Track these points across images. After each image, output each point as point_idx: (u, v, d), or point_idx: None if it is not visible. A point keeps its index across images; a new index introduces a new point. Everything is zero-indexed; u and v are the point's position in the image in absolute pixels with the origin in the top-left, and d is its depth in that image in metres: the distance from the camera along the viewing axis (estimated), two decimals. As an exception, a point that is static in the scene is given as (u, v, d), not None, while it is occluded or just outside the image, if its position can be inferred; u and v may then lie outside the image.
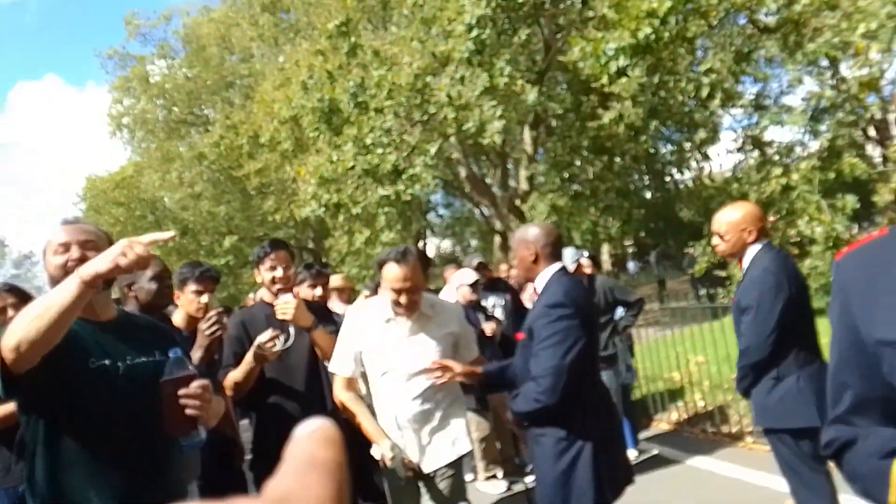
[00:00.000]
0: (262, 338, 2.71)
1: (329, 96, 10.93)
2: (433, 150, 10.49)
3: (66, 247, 1.75)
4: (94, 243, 1.77)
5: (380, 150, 10.53)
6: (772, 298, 2.76)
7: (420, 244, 26.58)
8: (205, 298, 3.06)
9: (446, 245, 30.03)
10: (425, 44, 10.68)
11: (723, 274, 9.55)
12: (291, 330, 2.84)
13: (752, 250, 2.89)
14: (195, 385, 1.69)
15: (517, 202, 13.66)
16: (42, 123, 60.16)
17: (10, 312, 3.04)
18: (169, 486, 1.80)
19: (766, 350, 2.77)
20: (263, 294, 3.15)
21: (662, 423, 6.32)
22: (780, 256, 2.93)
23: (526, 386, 2.40)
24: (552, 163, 12.75)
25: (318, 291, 3.61)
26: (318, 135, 11.34)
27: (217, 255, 20.48)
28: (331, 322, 3.18)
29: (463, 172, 14.60)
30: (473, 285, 4.98)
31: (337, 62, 11.57)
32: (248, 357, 2.77)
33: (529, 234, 2.59)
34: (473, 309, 4.93)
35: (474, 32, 9.76)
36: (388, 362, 2.67)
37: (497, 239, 15.84)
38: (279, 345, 2.73)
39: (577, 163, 12.66)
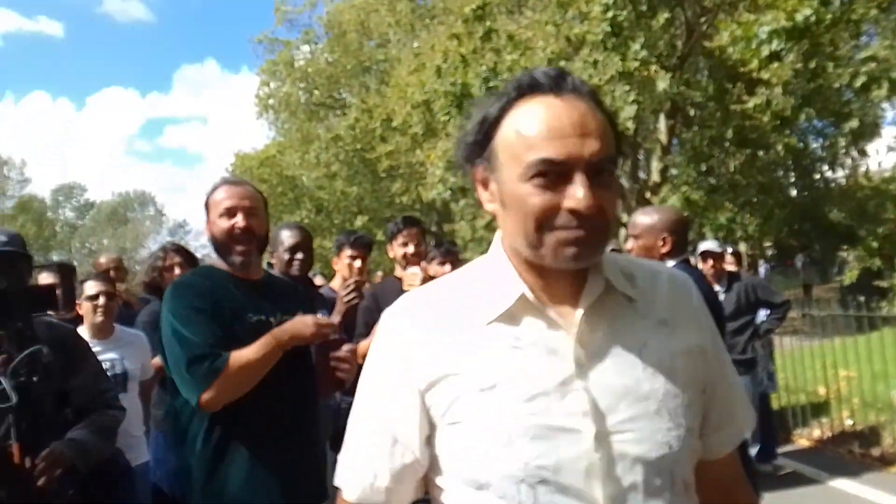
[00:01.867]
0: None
1: (462, 80, 10.98)
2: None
3: (232, 212, 1.88)
4: (255, 210, 1.91)
5: (509, 136, 10.46)
6: None
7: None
8: (358, 263, 3.21)
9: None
10: (560, 27, 10.47)
11: (883, 284, 8.65)
12: None
13: None
14: (346, 348, 1.84)
15: (647, 194, 13.13)
16: (200, 103, 65.53)
17: (177, 271, 3.32)
18: (311, 439, 1.92)
19: None
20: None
21: (802, 439, 5.85)
22: None
23: None
24: (689, 154, 12.10)
25: (447, 269, 3.62)
26: (448, 119, 11.45)
27: (347, 233, 21.30)
28: None
29: (592, 161, 14.19)
30: None
31: (471, 46, 11.60)
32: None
33: (658, 219, 2.39)
34: None
35: (611, 13, 9.42)
36: None
37: (623, 232, 15.35)
38: None
39: (717, 155, 11.93)
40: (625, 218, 14.54)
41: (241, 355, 1.73)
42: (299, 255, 3.01)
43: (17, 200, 34.36)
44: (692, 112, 12.89)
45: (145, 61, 68.04)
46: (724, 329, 2.48)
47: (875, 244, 9.04)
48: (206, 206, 1.95)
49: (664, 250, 2.33)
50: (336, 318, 2.70)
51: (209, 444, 1.82)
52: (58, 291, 2.01)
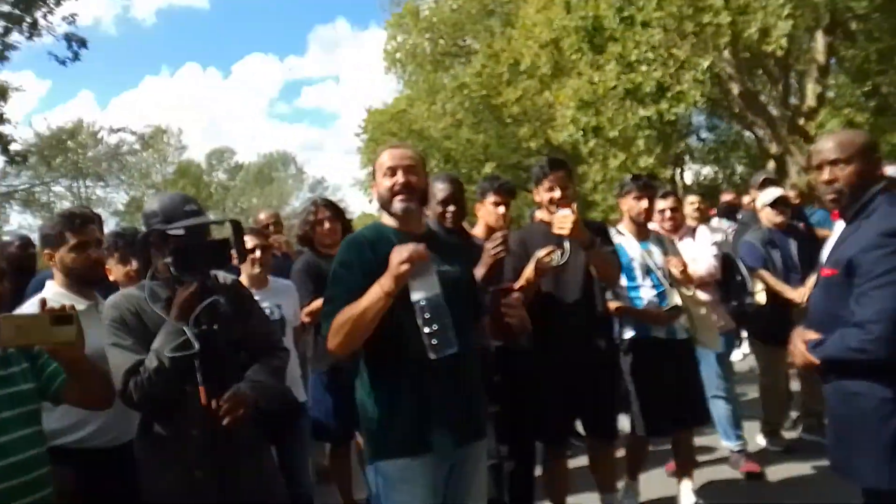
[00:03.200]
0: (540, 252, 2.82)
1: (593, 13, 10.47)
2: (705, 63, 9.56)
3: (393, 171, 2.09)
4: (415, 168, 2.11)
5: (644, 68, 9.89)
6: None
7: (678, 171, 24.91)
8: (502, 209, 3.21)
9: (707, 171, 27.66)
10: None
11: None
12: (567, 245, 2.85)
13: None
14: (515, 296, 1.94)
15: (800, 121, 11.98)
16: (333, 62, 67.62)
17: (327, 225, 3.48)
18: (472, 380, 2.09)
19: None
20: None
21: None
22: None
23: (844, 331, 1.98)
24: (853, 72, 10.85)
25: (644, 204, 3.46)
26: (579, 56, 11.02)
27: (475, 181, 21.42)
28: (609, 242, 3.14)
29: (735, 89, 13.12)
30: (775, 204, 4.33)
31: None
32: (527, 271, 2.89)
33: (861, 140, 2.08)
34: (784, 233, 4.35)
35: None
36: None
37: (771, 164, 14.14)
38: (555, 260, 2.79)
39: (886, 71, 10.60)
40: (774, 149, 13.44)
41: (349, 307, 1.93)
42: (451, 208, 3.04)
43: (176, 166, 37.59)
44: (854, 26, 11.48)
45: (282, 25, 70.84)
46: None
47: None
48: (373, 171, 2.18)
49: (877, 173, 2.08)
50: (481, 270, 2.71)
51: (377, 385, 2.04)
52: (231, 247, 2.16)
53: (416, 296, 1.84)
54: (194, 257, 2.01)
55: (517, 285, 2.92)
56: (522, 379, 3.12)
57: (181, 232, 2.07)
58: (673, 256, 3.53)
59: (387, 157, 2.13)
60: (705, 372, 3.79)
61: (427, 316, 1.82)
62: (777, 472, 4.03)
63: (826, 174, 2.12)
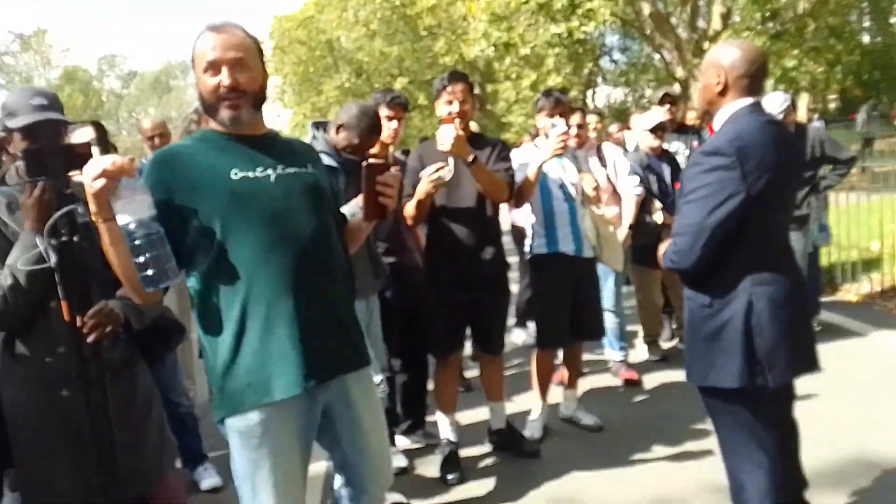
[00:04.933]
0: (426, 171, 2.83)
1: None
2: (614, -19, 9.52)
3: (216, 67, 1.66)
4: (244, 61, 1.67)
5: (556, -17, 9.75)
6: None
7: (589, 92, 25.17)
8: (395, 125, 3.13)
9: (618, 94, 28.15)
10: None
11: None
12: (450, 161, 2.85)
13: None
14: (390, 173, 1.76)
15: (705, 45, 12.27)
16: (230, -37, 62.65)
17: None
18: (335, 296, 1.79)
19: None
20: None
21: (850, 293, 5.76)
22: None
23: (669, 242, 2.11)
24: (754, -3, 11.12)
25: (556, 121, 3.32)
26: (491, -33, 10.70)
27: (388, 97, 20.87)
28: (505, 159, 3.14)
29: (646, 10, 13.21)
30: (654, 130, 4.54)
31: None
32: (419, 188, 2.89)
33: (724, 55, 2.05)
34: (658, 157, 4.55)
35: None
36: None
37: (677, 88, 14.53)
38: (444, 175, 2.78)
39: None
40: (679, 73, 13.76)
41: None
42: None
43: (62, 70, 34.48)
44: (760, -52, 11.67)
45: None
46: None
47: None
48: (192, 61, 1.71)
49: (718, 89, 2.04)
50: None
51: (206, 314, 1.71)
52: (94, 149, 1.98)
53: (122, 219, 1.51)
54: (46, 159, 1.78)
55: (413, 200, 2.91)
56: (413, 293, 3.14)
57: (20, 124, 1.89)
58: (586, 174, 3.57)
59: (207, 47, 1.66)
60: (601, 287, 3.96)
61: (136, 243, 1.50)
62: (653, 380, 4.34)
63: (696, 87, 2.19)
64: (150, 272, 1.52)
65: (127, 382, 2.07)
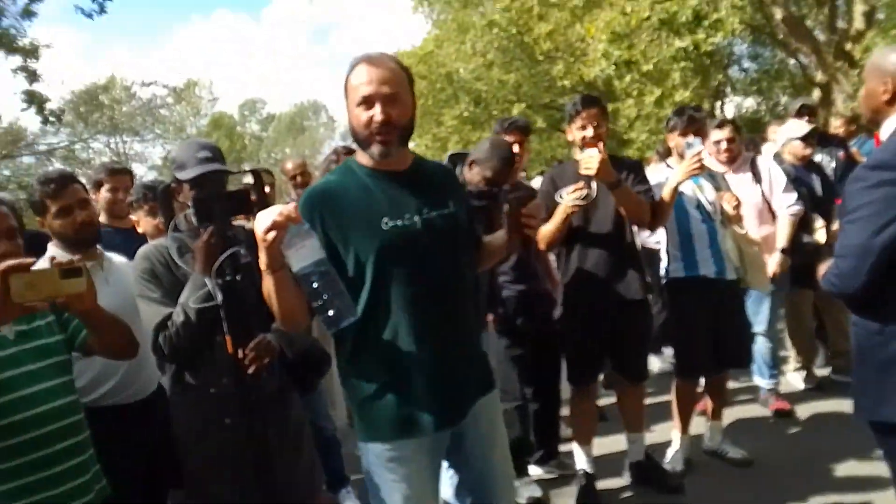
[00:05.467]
0: (567, 190, 2.84)
1: (624, -61, 10.00)
2: (743, -12, 9.09)
3: (369, 102, 1.70)
4: (396, 97, 1.71)
5: (680, -4, 9.45)
6: None
7: (718, 104, 23.98)
8: (516, 149, 3.18)
9: (749, 104, 26.58)
10: None
11: None
12: (593, 185, 2.83)
13: None
14: (533, 205, 1.80)
15: (847, 46, 11.37)
16: (363, 3, 66.14)
17: None
18: (466, 332, 1.87)
19: None
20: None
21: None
22: None
23: (830, 264, 1.93)
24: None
25: (692, 140, 3.25)
26: (611, -15, 10.58)
27: (507, 123, 21.03)
28: (644, 181, 3.09)
29: (778, 14, 12.46)
30: (806, 138, 4.18)
31: None
32: (558, 211, 2.91)
33: (891, 60, 1.91)
34: (807, 168, 4.22)
35: None
36: None
37: (816, 93, 13.54)
38: (582, 197, 2.80)
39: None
40: (819, 77, 12.81)
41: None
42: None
43: (209, 118, 37.80)
44: (908, -62, 10.72)
45: (308, -34, 69.43)
46: None
47: None
48: (345, 90, 1.76)
49: (885, 98, 1.90)
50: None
51: (355, 351, 1.80)
52: (252, 195, 2.15)
53: (297, 266, 1.54)
54: (212, 206, 1.98)
55: (551, 222, 2.93)
56: (544, 319, 3.13)
57: (189, 176, 2.07)
58: (726, 192, 3.40)
59: (362, 80, 1.70)
60: (751, 309, 3.74)
61: (314, 287, 1.53)
62: (806, 411, 4.01)
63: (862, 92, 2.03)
64: (330, 313, 1.56)
65: (282, 409, 2.21)
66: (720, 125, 3.92)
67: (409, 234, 1.75)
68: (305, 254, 1.53)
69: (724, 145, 3.82)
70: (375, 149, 1.74)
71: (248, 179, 3.16)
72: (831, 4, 14.04)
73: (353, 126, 1.77)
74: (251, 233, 2.06)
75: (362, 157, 1.80)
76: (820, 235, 4.09)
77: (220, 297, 1.98)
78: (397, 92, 1.72)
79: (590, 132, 2.95)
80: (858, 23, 11.36)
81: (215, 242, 1.99)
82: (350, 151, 3.70)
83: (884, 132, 1.94)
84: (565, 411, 3.52)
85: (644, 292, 3.11)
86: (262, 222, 1.51)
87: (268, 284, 1.65)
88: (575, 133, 3.01)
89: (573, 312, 3.10)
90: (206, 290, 2.00)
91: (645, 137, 13.26)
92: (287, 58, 65.28)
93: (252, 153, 39.59)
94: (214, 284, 1.98)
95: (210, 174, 2.10)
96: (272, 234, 1.51)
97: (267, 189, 3.37)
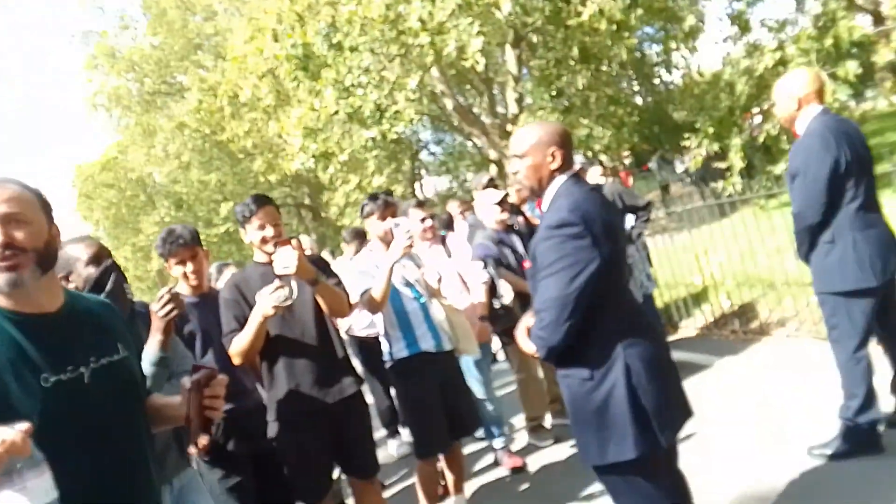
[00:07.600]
0: (267, 290, 2.58)
1: (302, 41, 10.41)
2: (413, 83, 10.05)
3: None
4: (19, 216, 1.43)
5: (360, 91, 10.09)
6: (818, 161, 2.81)
7: (417, 185, 26.14)
8: (190, 267, 2.88)
9: (442, 183, 29.47)
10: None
11: (722, 165, 9.34)
12: (293, 284, 2.65)
13: (806, 115, 2.94)
14: (218, 380, 1.57)
15: (508, 127, 13.26)
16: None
17: None
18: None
19: (818, 213, 2.84)
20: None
21: (689, 329, 6.18)
22: (833, 119, 2.94)
23: (533, 319, 2.06)
24: (538, 79, 12.28)
25: (388, 224, 3.30)
26: (297, 84, 10.89)
27: (215, 224, 20.26)
28: (332, 274, 2.99)
29: (449, 105, 14.10)
30: (502, 203, 4.42)
31: (305, 3, 11.01)
32: (253, 315, 2.64)
33: (541, 134, 2.11)
34: (506, 231, 4.44)
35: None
36: None
37: (493, 168, 15.49)
38: (283, 298, 2.56)
39: (564, 76, 12.17)
40: (493, 155, 14.69)
41: None
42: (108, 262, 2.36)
43: None
44: (535, 38, 13.02)
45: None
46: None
47: (711, 129, 9.65)
48: None
49: (553, 166, 2.11)
50: (156, 337, 2.21)
51: None
52: None
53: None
54: None
55: (247, 332, 2.65)
56: (263, 435, 2.84)
57: None
58: (427, 267, 3.54)
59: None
60: (467, 377, 3.85)
61: None
62: (536, 462, 4.21)
63: (512, 167, 2.20)
64: None
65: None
66: (419, 204, 4.11)
67: (77, 389, 1.42)
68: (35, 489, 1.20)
69: (428, 223, 3.99)
70: (2, 278, 1.39)
71: None
72: (489, 94, 16.36)
73: None
74: None
75: (2, 300, 1.43)
76: (506, 295, 4.23)
77: None
78: (20, 212, 1.43)
79: (269, 231, 2.80)
80: (513, 107, 13.34)
81: None
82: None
83: (546, 197, 2.13)
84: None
85: (358, 384, 2.98)
86: None
87: None
88: (254, 234, 2.82)
89: (287, 426, 2.82)
90: None
91: (359, 223, 13.73)
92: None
93: None
94: None
95: None
96: None
97: None
